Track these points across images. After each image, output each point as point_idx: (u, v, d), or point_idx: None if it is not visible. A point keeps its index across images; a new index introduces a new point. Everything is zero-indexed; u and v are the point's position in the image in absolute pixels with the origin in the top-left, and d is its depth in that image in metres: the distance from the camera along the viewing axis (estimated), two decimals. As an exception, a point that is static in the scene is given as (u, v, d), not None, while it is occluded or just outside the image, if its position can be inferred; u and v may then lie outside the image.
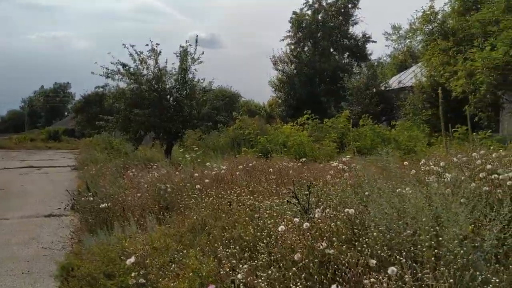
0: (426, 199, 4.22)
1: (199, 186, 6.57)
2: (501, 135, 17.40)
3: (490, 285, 3.06)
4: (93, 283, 4.35)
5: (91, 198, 7.65)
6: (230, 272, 3.66)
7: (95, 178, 10.99)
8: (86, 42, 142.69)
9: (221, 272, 3.66)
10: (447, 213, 3.86)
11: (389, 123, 22.30)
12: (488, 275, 3.27)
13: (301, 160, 9.01)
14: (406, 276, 3.11)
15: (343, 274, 3.39)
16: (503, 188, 4.97)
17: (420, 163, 6.74)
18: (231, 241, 4.35)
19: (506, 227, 3.88)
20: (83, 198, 8.13)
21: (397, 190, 4.67)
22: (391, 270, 2.93)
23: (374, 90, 25.45)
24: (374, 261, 3.27)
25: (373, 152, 12.63)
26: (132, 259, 4.23)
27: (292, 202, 4.53)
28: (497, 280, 3.16)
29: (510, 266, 3.44)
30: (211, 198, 5.74)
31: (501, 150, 6.87)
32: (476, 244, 3.75)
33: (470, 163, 6.17)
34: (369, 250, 3.68)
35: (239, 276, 3.47)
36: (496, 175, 5.27)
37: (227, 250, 4.07)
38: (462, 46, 18.09)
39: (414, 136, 16.10)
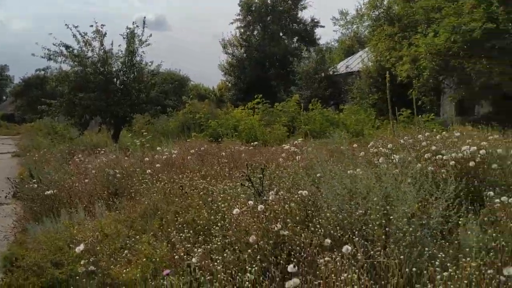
0: (376, 179, 4.33)
1: (149, 170, 6.43)
2: (442, 118, 18.18)
3: (437, 260, 3.19)
4: (39, 272, 4.16)
5: (35, 185, 7.31)
6: (185, 256, 3.61)
7: (38, 164, 10.50)
8: (25, 23, 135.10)
9: (175, 257, 3.60)
10: (396, 192, 3.98)
11: (337, 107, 22.76)
12: (435, 250, 3.41)
13: (252, 143, 9.02)
14: (359, 254, 3.19)
15: (298, 254, 3.42)
16: (447, 168, 5.21)
17: (369, 145, 6.92)
18: (184, 225, 4.29)
19: (450, 205, 4.07)
20: (26, 186, 7.75)
21: (349, 172, 4.77)
22: (346, 248, 2.99)
23: (323, 74, 25.83)
24: (328, 241, 3.32)
25: (322, 136, 12.90)
26: (81, 247, 4.07)
27: (246, 185, 4.52)
28: (443, 255, 3.30)
29: (455, 242, 3.61)
30: (162, 183, 5.63)
31: (444, 132, 7.16)
32: (423, 222, 3.90)
33: (416, 145, 6.40)
34: (322, 230, 3.74)
35: (193, 260, 3.43)
36: (440, 156, 5.51)
37: (181, 234, 4.01)
38: (407, 32, 18.61)
39: (361, 119, 16.54)
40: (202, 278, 2.80)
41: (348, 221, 3.94)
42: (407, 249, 3.43)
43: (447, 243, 3.63)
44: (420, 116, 13.32)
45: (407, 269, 3.08)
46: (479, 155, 5.33)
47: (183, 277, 2.60)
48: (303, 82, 25.90)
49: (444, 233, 3.92)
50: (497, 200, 4.12)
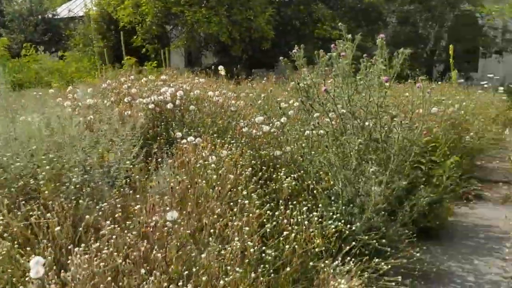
0: (47, 125, 3.64)
1: None
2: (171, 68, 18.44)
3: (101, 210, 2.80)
4: None
5: None
6: None
7: None
8: None
9: None
10: (65, 139, 3.41)
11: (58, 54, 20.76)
12: (113, 200, 3.02)
13: None
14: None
15: None
16: (146, 112, 4.99)
17: (67, 91, 6.18)
18: None
19: (140, 149, 3.77)
20: None
21: (21, 118, 3.95)
22: None
23: (40, 17, 22.95)
24: None
25: (38, 85, 11.50)
26: None
27: None
28: (114, 202, 2.95)
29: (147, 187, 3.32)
30: None
31: (151, 76, 6.94)
32: (105, 170, 3.49)
33: (118, 88, 6.03)
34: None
35: None
36: (141, 100, 5.25)
37: None
38: (129, -27, 17.83)
39: (84, 67, 15.51)
40: None
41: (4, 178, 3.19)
42: (75, 202, 2.95)
43: (127, 190, 3.29)
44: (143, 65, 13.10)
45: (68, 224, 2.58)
46: (178, 98, 5.24)
47: None
48: (15, 24, 22.50)
49: (131, 179, 3.58)
50: (184, 141, 3.98)
